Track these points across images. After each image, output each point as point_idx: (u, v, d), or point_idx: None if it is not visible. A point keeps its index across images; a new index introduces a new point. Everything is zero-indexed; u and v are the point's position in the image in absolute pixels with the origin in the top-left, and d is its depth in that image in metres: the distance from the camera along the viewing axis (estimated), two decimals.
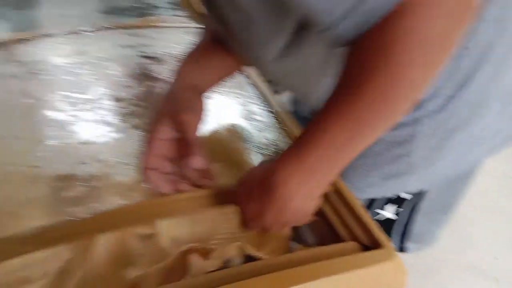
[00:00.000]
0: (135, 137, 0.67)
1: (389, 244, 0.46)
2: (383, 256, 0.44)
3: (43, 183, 0.57)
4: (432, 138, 0.59)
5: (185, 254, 0.45)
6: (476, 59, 0.53)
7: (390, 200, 0.69)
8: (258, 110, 0.78)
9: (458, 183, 0.72)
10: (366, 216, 0.49)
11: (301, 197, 0.45)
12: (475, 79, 0.54)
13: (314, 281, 0.40)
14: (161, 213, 0.49)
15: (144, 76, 0.85)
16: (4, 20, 1.11)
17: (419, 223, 0.73)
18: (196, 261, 0.44)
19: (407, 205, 0.70)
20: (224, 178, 0.59)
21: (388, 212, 0.71)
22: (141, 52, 0.93)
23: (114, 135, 0.68)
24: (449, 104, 0.56)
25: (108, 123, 0.71)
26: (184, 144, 0.53)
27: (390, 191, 0.67)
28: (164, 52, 0.93)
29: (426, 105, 0.57)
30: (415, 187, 0.66)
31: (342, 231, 0.49)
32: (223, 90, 0.81)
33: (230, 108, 0.80)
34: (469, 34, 0.51)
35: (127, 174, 0.60)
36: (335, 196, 0.52)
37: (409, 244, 0.76)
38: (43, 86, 0.78)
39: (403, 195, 0.68)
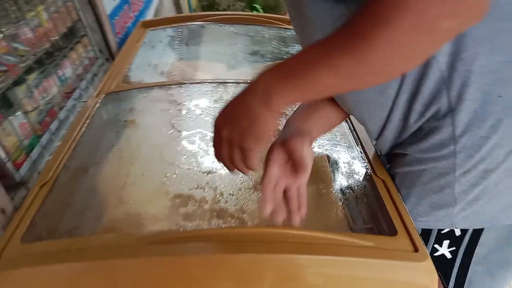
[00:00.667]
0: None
1: (425, 249, 0.59)
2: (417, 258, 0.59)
3: (165, 198, 0.71)
4: (470, 173, 0.62)
5: None
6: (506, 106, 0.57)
7: (445, 236, 0.72)
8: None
9: None
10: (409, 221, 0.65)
11: (264, 107, 0.49)
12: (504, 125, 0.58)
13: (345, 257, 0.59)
14: None
15: None
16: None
17: (476, 273, 0.75)
18: None
19: (463, 246, 0.73)
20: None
21: (444, 248, 0.74)
22: None
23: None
24: (484, 144, 0.59)
25: None
26: (294, 164, 0.59)
27: (439, 223, 0.70)
28: None
29: (462, 140, 0.60)
30: (464, 223, 0.68)
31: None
32: None
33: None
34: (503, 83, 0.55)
35: (230, 201, 0.70)
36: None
37: None
38: (187, 122, 0.94)
39: (457, 232, 0.71)
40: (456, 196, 0.65)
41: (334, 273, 0.61)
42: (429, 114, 0.61)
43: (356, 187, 0.82)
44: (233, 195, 0.72)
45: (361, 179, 0.80)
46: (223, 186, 0.75)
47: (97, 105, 1.03)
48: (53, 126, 1.04)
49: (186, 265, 0.58)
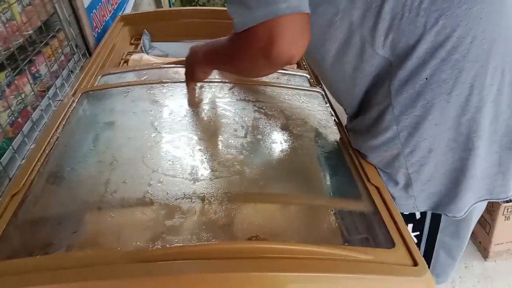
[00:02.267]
0: (236, 183, 0.73)
1: (424, 262, 0.59)
2: (417, 272, 0.58)
3: (150, 208, 0.66)
4: (416, 152, 0.72)
5: None
6: None
7: (408, 219, 0.80)
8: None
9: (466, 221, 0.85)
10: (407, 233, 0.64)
11: (197, 64, 0.90)
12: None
13: (342, 275, 0.57)
14: None
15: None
16: None
17: (441, 257, 0.90)
18: None
19: (425, 232, 0.84)
20: None
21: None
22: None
23: (219, 177, 0.75)
24: (421, 122, 0.69)
25: (216, 167, 0.78)
26: None
27: (403, 206, 0.79)
28: None
29: (401, 119, 0.70)
30: (424, 205, 0.79)
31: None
32: None
33: None
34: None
35: (219, 212, 0.66)
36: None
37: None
38: (171, 125, 0.89)
39: (417, 214, 0.82)
40: (411, 176, 0.75)
41: None
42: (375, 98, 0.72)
43: (348, 195, 0.79)
44: (222, 205, 0.68)
45: (353, 186, 0.77)
46: (211, 195, 0.70)
47: (74, 105, 0.97)
48: (26, 127, 0.97)
49: (174, 285, 0.54)
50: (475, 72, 0.66)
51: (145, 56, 1.32)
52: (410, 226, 0.84)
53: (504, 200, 0.79)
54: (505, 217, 1.41)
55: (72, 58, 1.27)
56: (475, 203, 0.78)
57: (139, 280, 0.53)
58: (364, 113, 0.77)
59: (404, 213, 0.81)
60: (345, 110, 0.86)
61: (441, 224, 0.83)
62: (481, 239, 1.54)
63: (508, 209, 1.40)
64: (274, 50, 0.58)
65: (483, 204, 0.85)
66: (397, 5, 0.64)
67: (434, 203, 0.78)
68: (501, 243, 1.48)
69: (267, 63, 0.62)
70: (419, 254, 0.62)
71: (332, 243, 0.70)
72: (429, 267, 0.83)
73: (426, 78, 0.66)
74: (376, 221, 0.69)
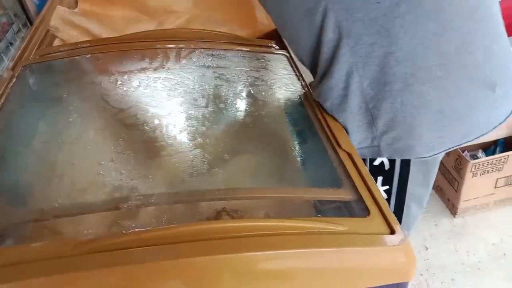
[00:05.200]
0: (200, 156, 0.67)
1: (402, 231, 0.56)
2: (395, 241, 0.54)
3: (102, 191, 0.59)
4: (374, 83, 0.70)
5: None
6: None
7: (378, 171, 0.82)
8: None
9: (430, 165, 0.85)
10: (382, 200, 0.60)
11: None
12: None
13: (318, 249, 0.53)
14: None
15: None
16: None
17: (412, 209, 0.89)
18: None
19: (395, 184, 0.84)
20: None
21: (379, 187, 0.82)
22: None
23: (180, 151, 0.69)
24: (373, 50, 0.67)
25: (176, 141, 0.72)
26: None
27: (366, 150, 0.77)
28: None
29: (353, 46, 0.68)
30: (388, 150, 0.76)
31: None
32: None
33: None
34: None
35: (181, 191, 0.60)
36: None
37: None
38: (123, 97, 0.81)
39: (386, 164, 0.81)
40: (372, 111, 0.72)
41: (303, 267, 0.53)
42: None
43: (319, 163, 0.74)
44: (184, 182, 0.62)
45: (324, 152, 0.72)
46: (171, 172, 0.64)
47: (14, 80, 0.86)
48: None
49: (134, 276, 0.48)
50: None
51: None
52: (379, 179, 0.84)
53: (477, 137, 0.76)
54: (473, 173, 1.42)
55: (11, 29, 1.15)
56: (449, 149, 0.75)
57: (95, 272, 0.47)
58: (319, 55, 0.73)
59: (374, 164, 0.80)
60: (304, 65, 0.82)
61: (410, 175, 0.82)
62: (449, 197, 1.56)
63: (475, 165, 1.41)
64: None
65: None
66: None
67: (399, 142, 0.74)
68: (469, 199, 1.50)
69: None
70: (395, 221, 0.58)
71: (304, 215, 0.66)
72: (400, 222, 0.83)
73: (378, 2, 0.63)
74: (349, 189, 0.65)
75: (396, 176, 0.83)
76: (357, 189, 0.63)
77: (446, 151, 0.76)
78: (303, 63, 0.83)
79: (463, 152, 1.46)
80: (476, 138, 0.75)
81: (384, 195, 0.85)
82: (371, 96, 0.70)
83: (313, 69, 0.79)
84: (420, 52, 0.66)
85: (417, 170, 0.83)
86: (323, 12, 0.67)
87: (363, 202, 0.61)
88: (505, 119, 0.75)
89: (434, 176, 0.88)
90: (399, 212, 0.88)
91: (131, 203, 0.58)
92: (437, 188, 1.62)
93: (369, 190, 0.63)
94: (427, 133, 0.72)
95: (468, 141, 0.75)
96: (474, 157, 1.49)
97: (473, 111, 0.71)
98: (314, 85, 0.80)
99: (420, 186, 0.87)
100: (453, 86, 0.68)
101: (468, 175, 1.42)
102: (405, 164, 0.81)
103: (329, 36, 0.68)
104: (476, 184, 1.46)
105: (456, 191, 1.49)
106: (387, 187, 0.84)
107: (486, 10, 0.69)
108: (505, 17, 0.74)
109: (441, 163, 1.50)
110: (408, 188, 0.84)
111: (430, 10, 0.64)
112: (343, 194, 0.64)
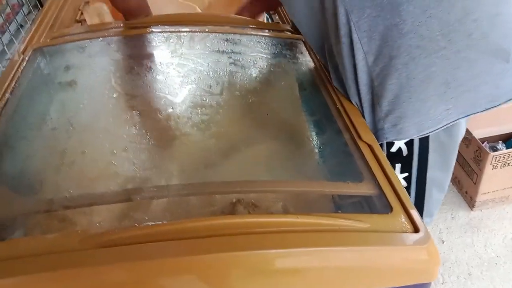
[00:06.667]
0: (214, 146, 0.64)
1: (426, 230, 0.53)
2: (419, 240, 0.51)
3: (114, 182, 0.57)
4: (379, 59, 0.68)
5: None
6: None
7: (396, 158, 0.79)
8: None
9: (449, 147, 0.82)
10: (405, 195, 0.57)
11: None
12: None
13: (337, 248, 0.50)
14: None
15: None
16: None
17: (434, 194, 0.86)
18: None
19: (414, 171, 0.81)
20: None
21: (398, 174, 0.80)
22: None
23: (194, 141, 0.66)
24: (378, 23, 0.66)
25: (190, 130, 0.69)
26: None
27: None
28: None
29: (357, 24, 0.67)
30: (392, 132, 0.73)
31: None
32: None
33: None
34: None
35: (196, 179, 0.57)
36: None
37: (425, 219, 0.88)
38: (135, 83, 0.79)
39: (404, 150, 0.78)
40: (376, 90, 0.70)
41: (320, 265, 0.51)
42: None
43: (339, 155, 0.71)
44: (198, 173, 0.60)
45: (344, 145, 0.69)
46: (184, 162, 0.62)
47: (24, 64, 0.84)
48: None
49: (143, 272, 0.46)
50: None
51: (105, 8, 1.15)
52: (398, 166, 0.81)
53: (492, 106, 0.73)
54: (493, 166, 1.38)
55: (21, 11, 1.13)
56: (455, 120, 0.73)
57: (102, 268, 0.45)
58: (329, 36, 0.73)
59: (391, 151, 0.78)
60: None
61: (429, 159, 0.80)
62: (467, 189, 1.52)
63: (496, 158, 1.36)
64: None
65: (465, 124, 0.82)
66: None
67: (405, 121, 0.72)
68: (488, 192, 1.46)
69: None
70: (419, 218, 0.55)
71: (322, 210, 0.63)
72: (422, 209, 0.87)
73: None
74: (370, 183, 0.62)
75: (415, 162, 0.80)
76: (379, 184, 0.60)
77: (454, 122, 0.73)
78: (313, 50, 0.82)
79: (482, 143, 1.41)
80: (486, 110, 0.73)
81: (404, 183, 0.82)
82: (377, 73, 0.69)
83: (322, 53, 0.78)
84: (423, 22, 0.64)
85: (436, 155, 0.81)
86: None
87: (386, 197, 0.58)
88: None
89: (454, 159, 0.86)
90: (420, 198, 0.85)
91: (143, 194, 0.56)
92: (455, 180, 1.58)
93: (392, 185, 0.60)
94: (433, 107, 0.70)
95: (478, 112, 0.73)
96: (494, 148, 1.45)
97: (479, 81, 0.69)
98: (330, 71, 0.78)
99: (440, 171, 0.85)
100: (458, 57, 0.67)
101: (488, 167, 1.38)
102: (424, 149, 0.79)
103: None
104: (495, 176, 1.42)
105: (475, 184, 1.45)
106: (406, 174, 0.82)
107: None
108: None
109: (460, 154, 1.47)
110: (427, 173, 0.82)
111: None
112: (364, 189, 0.61)
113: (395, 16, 0.64)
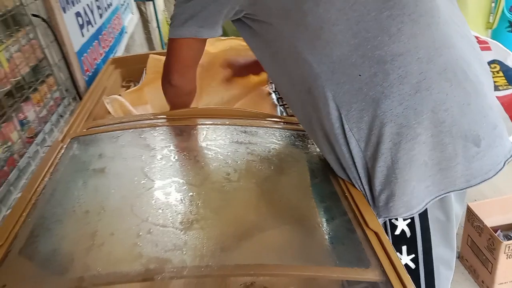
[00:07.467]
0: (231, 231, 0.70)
1: None
2: None
3: (138, 262, 0.62)
4: (369, 145, 0.77)
5: None
6: None
7: (401, 240, 0.84)
8: None
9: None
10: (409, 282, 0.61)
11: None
12: None
13: None
14: None
15: None
16: None
17: (442, 272, 0.89)
18: None
19: (420, 250, 0.85)
20: None
21: (405, 256, 0.85)
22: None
23: (212, 226, 0.72)
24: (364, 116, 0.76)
25: (209, 214, 0.75)
26: None
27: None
28: None
29: (347, 117, 0.77)
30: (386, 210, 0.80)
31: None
32: None
33: None
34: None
35: (212, 263, 0.62)
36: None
37: None
38: (161, 170, 0.87)
39: (407, 232, 0.84)
40: (369, 172, 0.78)
41: None
42: None
43: (346, 240, 0.76)
44: (215, 254, 0.65)
45: (352, 232, 0.74)
46: (203, 245, 0.67)
47: (62, 151, 0.94)
48: (12, 176, 0.94)
49: None
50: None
51: (120, 98, 1.27)
52: (404, 248, 0.85)
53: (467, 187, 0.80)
54: (507, 255, 1.37)
55: (62, 103, 1.26)
56: (437, 197, 0.80)
57: None
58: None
59: (395, 233, 0.84)
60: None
61: (431, 236, 0.85)
62: (484, 278, 1.49)
63: (509, 247, 1.36)
64: None
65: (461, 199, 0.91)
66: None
67: (394, 200, 0.79)
68: (505, 283, 1.43)
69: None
70: None
71: None
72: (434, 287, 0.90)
73: (360, 75, 0.74)
74: (376, 269, 0.66)
75: (419, 242, 0.85)
76: (385, 271, 0.64)
77: (435, 199, 0.80)
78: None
79: (495, 232, 1.42)
80: (464, 189, 0.80)
81: (412, 265, 0.86)
82: (368, 157, 0.78)
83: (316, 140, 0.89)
84: (400, 113, 0.73)
85: (437, 233, 0.86)
86: (322, 89, 0.77)
87: (391, 284, 0.62)
88: (495, 173, 0.80)
89: (454, 236, 0.91)
90: (431, 278, 0.89)
91: (164, 274, 0.61)
92: (471, 269, 1.56)
93: (397, 272, 0.64)
94: (417, 186, 0.77)
95: (457, 189, 0.79)
96: (508, 237, 1.45)
97: (453, 162, 0.76)
98: (330, 162, 0.87)
99: (443, 247, 0.89)
100: (433, 141, 0.75)
101: (502, 256, 1.37)
102: (425, 229, 0.84)
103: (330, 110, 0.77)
104: (511, 265, 1.40)
105: (490, 273, 1.43)
106: (413, 255, 0.86)
107: (455, 71, 0.75)
108: None
109: (474, 243, 1.47)
110: (433, 252, 0.86)
111: (402, 75, 0.73)
112: (371, 275, 0.65)
113: (376, 108, 0.74)
